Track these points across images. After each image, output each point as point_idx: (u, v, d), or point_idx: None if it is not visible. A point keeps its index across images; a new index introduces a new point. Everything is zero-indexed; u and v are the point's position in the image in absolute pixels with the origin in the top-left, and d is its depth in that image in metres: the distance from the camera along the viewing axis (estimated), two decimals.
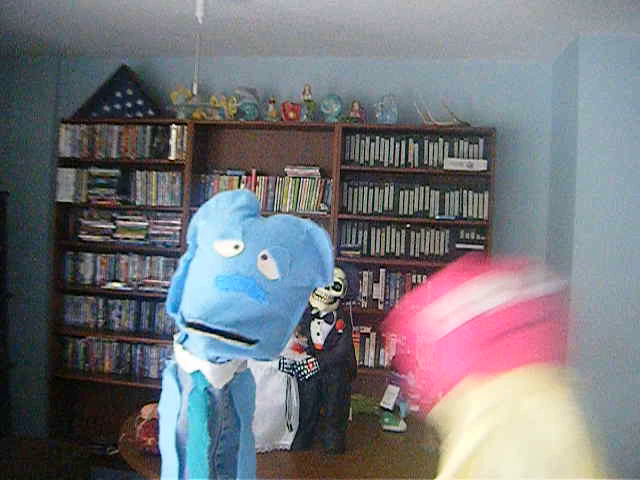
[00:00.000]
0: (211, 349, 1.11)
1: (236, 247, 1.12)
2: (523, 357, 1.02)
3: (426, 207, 3.82)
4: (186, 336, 1.17)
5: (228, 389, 1.19)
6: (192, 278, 1.16)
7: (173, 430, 1.16)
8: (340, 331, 2.37)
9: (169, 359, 1.22)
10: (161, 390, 1.24)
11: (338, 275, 2.38)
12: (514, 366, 1.01)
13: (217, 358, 1.15)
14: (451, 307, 1.06)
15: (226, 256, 1.11)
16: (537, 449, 0.94)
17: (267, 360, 1.27)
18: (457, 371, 1.08)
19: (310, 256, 1.18)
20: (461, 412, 1.05)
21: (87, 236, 4.10)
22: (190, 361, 1.16)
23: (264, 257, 1.11)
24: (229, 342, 1.09)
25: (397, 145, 3.86)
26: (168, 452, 1.17)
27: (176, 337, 1.19)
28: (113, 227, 4.08)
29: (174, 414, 1.17)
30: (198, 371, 1.16)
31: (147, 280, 4.03)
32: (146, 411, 2.22)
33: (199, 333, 1.09)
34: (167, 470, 1.18)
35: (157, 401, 1.27)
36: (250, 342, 1.10)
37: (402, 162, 3.85)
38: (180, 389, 1.17)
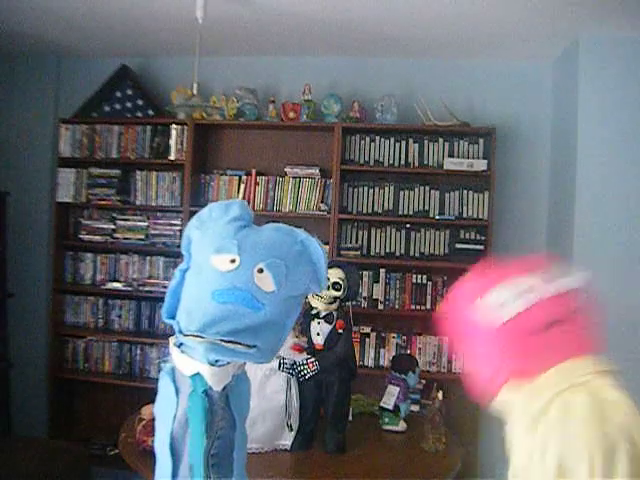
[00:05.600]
0: (211, 352, 1.14)
1: (232, 261, 1.14)
2: (562, 351, 1.03)
3: (426, 207, 3.82)
4: None
5: (226, 390, 1.22)
6: (189, 290, 1.19)
7: (169, 432, 1.18)
8: (340, 331, 2.37)
9: (165, 361, 1.24)
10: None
11: (338, 275, 2.38)
12: (555, 361, 1.02)
13: (217, 361, 1.18)
14: (482, 310, 1.07)
15: (222, 270, 1.14)
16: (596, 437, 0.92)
17: (264, 362, 1.31)
18: (500, 372, 1.09)
19: (304, 266, 1.21)
20: (514, 413, 1.06)
21: (87, 236, 4.09)
22: (189, 364, 1.18)
23: (260, 270, 1.14)
24: (229, 345, 1.12)
25: (397, 145, 3.85)
26: (162, 453, 1.19)
27: (172, 340, 1.21)
28: (113, 227, 4.08)
29: (170, 416, 1.19)
30: (197, 374, 1.18)
31: (147, 280, 4.03)
32: (146, 411, 2.22)
33: (198, 340, 1.12)
34: (161, 470, 1.20)
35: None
36: (249, 346, 1.14)
37: (402, 162, 3.85)
38: (177, 391, 1.19)
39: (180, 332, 1.16)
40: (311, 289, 1.25)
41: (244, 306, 1.12)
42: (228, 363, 1.19)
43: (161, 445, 1.20)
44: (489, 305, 1.09)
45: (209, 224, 1.23)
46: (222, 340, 1.11)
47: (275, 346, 1.23)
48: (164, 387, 1.22)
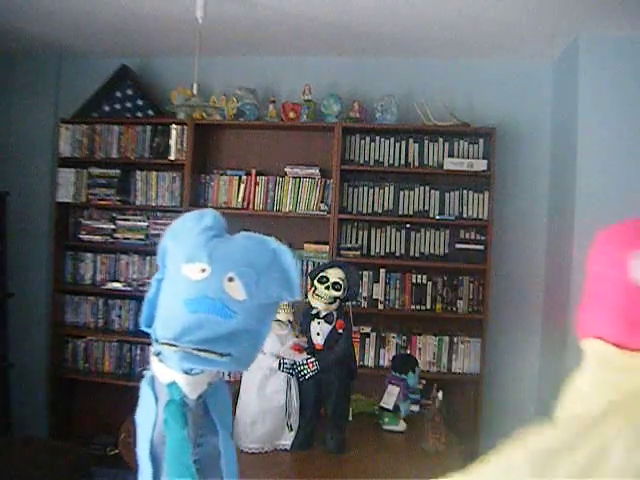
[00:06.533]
0: (184, 361, 1.16)
1: (203, 270, 1.15)
2: None
3: (426, 207, 3.82)
4: None
5: (202, 399, 1.24)
6: (163, 300, 1.20)
7: (148, 440, 1.21)
8: (340, 331, 2.37)
9: (146, 370, 1.26)
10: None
11: (338, 275, 2.39)
12: None
13: (191, 370, 1.19)
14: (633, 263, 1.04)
15: (193, 279, 1.15)
16: None
17: (240, 370, 1.32)
18: (605, 326, 1.04)
19: (276, 274, 1.21)
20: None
21: (87, 236, 4.10)
22: (165, 373, 1.20)
23: (230, 279, 1.15)
24: (202, 354, 1.13)
25: (397, 145, 3.86)
26: (143, 461, 1.22)
27: (152, 349, 1.22)
28: (113, 227, 4.08)
29: (150, 424, 1.21)
30: (173, 382, 1.20)
31: (147, 280, 4.03)
32: None
33: (172, 349, 1.13)
34: (142, 478, 1.22)
35: None
36: (222, 354, 1.15)
37: (402, 162, 3.85)
38: (156, 400, 1.21)
39: (156, 340, 1.17)
40: (284, 297, 1.25)
41: (215, 315, 1.13)
42: (202, 372, 1.21)
43: (142, 453, 1.22)
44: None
45: (182, 234, 1.24)
46: (196, 349, 1.12)
47: (251, 354, 1.24)
48: (144, 396, 1.24)
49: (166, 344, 1.14)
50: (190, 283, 1.15)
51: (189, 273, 1.16)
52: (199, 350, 1.12)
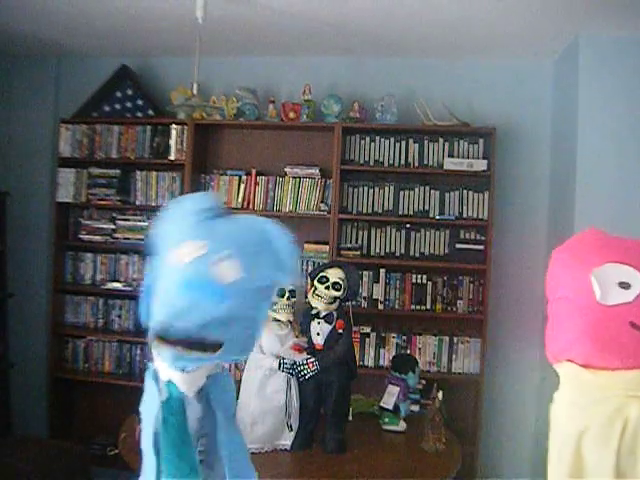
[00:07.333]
0: (178, 361, 1.16)
1: (192, 252, 1.15)
2: None
3: (426, 207, 3.82)
4: None
5: (203, 392, 1.23)
6: (158, 287, 1.20)
7: (152, 431, 1.19)
8: (340, 331, 2.37)
9: (150, 361, 1.25)
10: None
11: (338, 275, 2.39)
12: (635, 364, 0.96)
13: (186, 367, 1.19)
14: (594, 281, 1.01)
15: (184, 262, 1.14)
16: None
17: (237, 360, 1.30)
18: (573, 347, 1.02)
19: (269, 255, 1.20)
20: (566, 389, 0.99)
21: (87, 236, 4.10)
22: (164, 370, 1.20)
23: (220, 261, 1.14)
24: (192, 354, 1.12)
25: (397, 145, 3.85)
26: (148, 452, 1.21)
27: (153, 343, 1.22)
28: (113, 227, 4.08)
29: (154, 416, 1.20)
30: (170, 380, 1.20)
31: None
32: None
33: (165, 347, 1.12)
34: (146, 468, 1.21)
35: None
36: (215, 347, 1.13)
37: (402, 162, 3.85)
38: (160, 392, 1.21)
39: (154, 334, 1.16)
40: (279, 279, 1.23)
41: (206, 297, 1.12)
42: (198, 368, 1.20)
43: (146, 444, 1.21)
44: (602, 280, 1.02)
45: (171, 219, 1.25)
46: (187, 348, 1.11)
47: (247, 342, 1.22)
48: (148, 388, 1.23)
49: (159, 336, 1.13)
50: (181, 267, 1.14)
51: (179, 256, 1.15)
52: (190, 349, 1.11)
